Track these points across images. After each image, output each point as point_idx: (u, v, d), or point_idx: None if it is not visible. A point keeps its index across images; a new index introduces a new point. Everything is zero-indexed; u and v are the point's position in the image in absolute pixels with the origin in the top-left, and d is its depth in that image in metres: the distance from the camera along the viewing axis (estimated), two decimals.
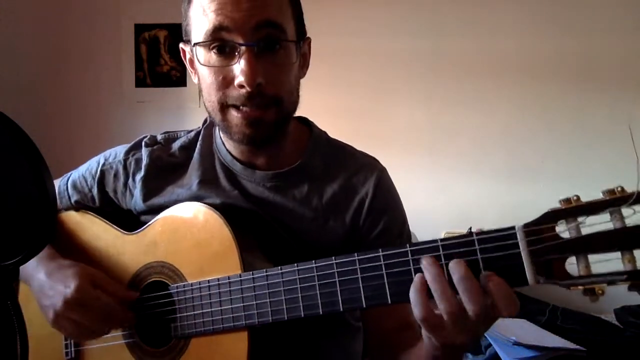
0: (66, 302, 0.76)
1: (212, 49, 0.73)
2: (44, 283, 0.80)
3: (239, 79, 0.71)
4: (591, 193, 0.57)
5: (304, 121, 0.93)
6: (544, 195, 2.21)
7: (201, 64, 0.75)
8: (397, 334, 0.79)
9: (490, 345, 1.48)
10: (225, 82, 0.74)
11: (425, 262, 0.58)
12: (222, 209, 0.78)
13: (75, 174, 0.95)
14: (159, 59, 2.47)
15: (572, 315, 1.72)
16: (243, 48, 0.71)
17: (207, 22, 0.72)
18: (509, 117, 2.28)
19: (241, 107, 0.74)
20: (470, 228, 2.26)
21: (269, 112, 0.75)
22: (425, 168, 2.34)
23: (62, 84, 2.49)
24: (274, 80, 0.73)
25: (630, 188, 0.52)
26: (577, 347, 1.43)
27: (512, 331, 1.45)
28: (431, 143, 2.33)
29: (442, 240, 0.59)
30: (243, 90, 0.72)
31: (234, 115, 0.75)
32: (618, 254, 0.51)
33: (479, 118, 2.29)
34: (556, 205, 0.56)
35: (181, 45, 0.84)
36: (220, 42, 0.72)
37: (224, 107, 0.75)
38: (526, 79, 2.25)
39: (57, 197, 0.94)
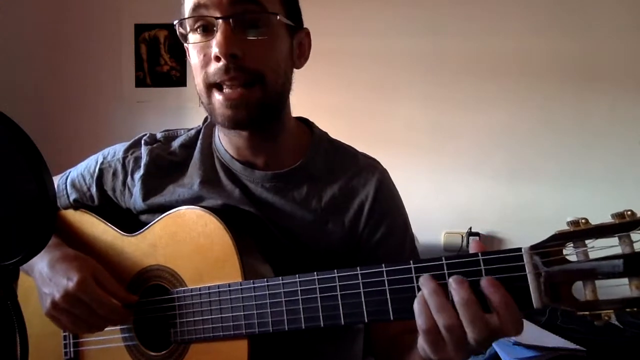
0: (66, 294, 0.76)
1: (197, 29, 0.74)
2: (46, 272, 0.79)
3: (214, 50, 0.71)
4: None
5: (305, 122, 0.92)
6: (544, 196, 2.21)
7: (187, 43, 0.76)
8: (402, 337, 0.79)
9: (490, 345, 1.48)
10: (206, 59, 0.73)
11: (422, 279, 0.58)
12: (222, 211, 0.78)
13: (74, 172, 0.94)
14: (159, 59, 2.47)
15: (572, 316, 1.71)
16: (220, 21, 0.71)
17: (189, 2, 0.73)
18: (509, 117, 2.28)
19: (223, 89, 0.73)
20: (470, 228, 2.26)
21: (253, 91, 0.73)
22: (425, 168, 2.34)
23: (62, 84, 2.49)
24: (254, 55, 0.72)
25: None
26: (577, 347, 1.43)
27: None
28: (431, 143, 2.33)
29: (446, 258, 0.58)
30: (220, 64, 0.71)
31: (216, 97, 0.74)
32: (625, 279, 0.50)
33: (479, 118, 2.29)
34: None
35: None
36: (198, 19, 0.73)
37: (207, 88, 0.75)
38: (526, 79, 2.25)
39: (56, 195, 0.93)
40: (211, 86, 0.74)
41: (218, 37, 0.70)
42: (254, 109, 0.74)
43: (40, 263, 0.80)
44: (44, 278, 0.79)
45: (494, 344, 1.45)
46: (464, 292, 0.55)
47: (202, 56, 0.74)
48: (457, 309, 0.55)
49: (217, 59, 0.71)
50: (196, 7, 0.72)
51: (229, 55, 0.70)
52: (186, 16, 0.74)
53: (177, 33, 0.77)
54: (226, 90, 0.73)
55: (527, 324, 1.64)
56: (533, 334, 1.53)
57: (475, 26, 2.28)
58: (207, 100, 0.76)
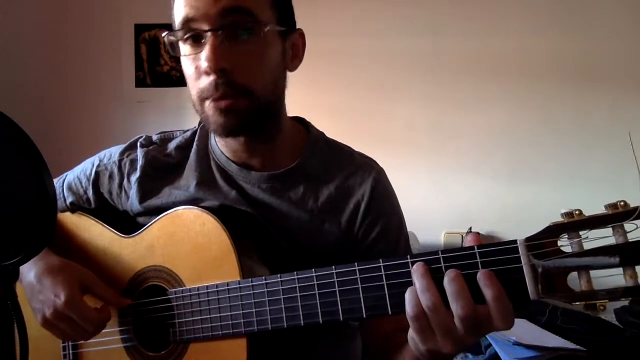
0: (55, 311, 0.76)
1: (187, 40, 0.74)
2: (34, 286, 0.79)
3: (204, 64, 0.70)
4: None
5: (301, 121, 0.92)
6: (544, 196, 2.21)
7: (179, 56, 0.76)
8: (395, 335, 0.79)
9: (490, 345, 1.48)
10: (198, 72, 0.73)
11: (415, 266, 0.59)
12: (220, 212, 0.78)
13: (71, 176, 0.94)
14: (159, 59, 2.47)
15: (572, 315, 1.71)
16: (208, 34, 0.70)
17: (179, 15, 0.73)
18: (509, 117, 2.28)
19: (215, 99, 0.73)
20: (470, 228, 2.26)
21: (240, 101, 0.73)
22: (425, 168, 2.34)
23: (62, 84, 2.49)
24: (243, 69, 0.72)
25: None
26: (577, 347, 1.43)
27: (512, 331, 1.45)
28: (431, 143, 2.33)
29: (443, 252, 0.58)
30: (211, 78, 0.71)
31: (208, 106, 0.74)
32: (620, 269, 0.51)
33: (479, 118, 2.29)
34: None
35: None
36: (188, 30, 0.72)
37: (201, 100, 0.75)
38: (526, 79, 2.25)
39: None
40: (204, 99, 0.74)
41: (207, 50, 0.70)
42: (244, 116, 0.74)
43: (28, 275, 0.80)
44: (33, 292, 0.79)
45: (493, 344, 1.45)
46: (453, 273, 0.56)
47: (194, 68, 0.74)
48: (445, 287, 0.56)
49: (207, 72, 0.71)
50: (185, 21, 0.72)
51: (218, 70, 0.70)
52: (176, 28, 0.74)
53: (167, 43, 0.76)
54: (218, 100, 0.73)
55: (527, 323, 1.64)
56: (533, 334, 1.53)
57: (475, 26, 2.28)
58: (201, 109, 0.76)
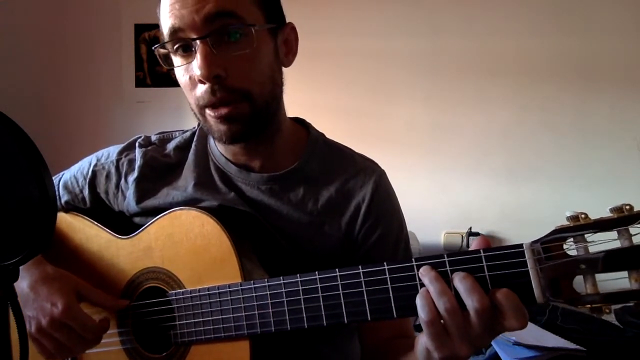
0: (52, 321, 0.75)
1: (177, 51, 0.73)
2: (28, 295, 0.78)
3: (197, 73, 0.70)
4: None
5: (301, 122, 0.91)
6: (544, 196, 2.21)
7: (172, 67, 0.76)
8: (393, 342, 0.79)
9: (490, 345, 1.48)
10: (192, 81, 0.73)
11: (422, 270, 0.59)
12: (219, 212, 0.77)
13: (67, 175, 0.93)
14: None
15: (572, 315, 1.71)
16: (197, 42, 0.69)
17: (166, 27, 0.72)
18: (509, 117, 2.28)
19: (215, 106, 0.72)
20: (470, 228, 2.26)
21: (241, 107, 0.73)
22: (425, 168, 2.34)
23: (62, 84, 2.49)
24: (237, 73, 0.71)
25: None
26: (577, 347, 1.43)
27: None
28: (431, 143, 2.33)
29: (449, 255, 0.58)
30: (206, 86, 0.71)
31: (209, 115, 0.74)
32: (625, 273, 0.51)
33: (479, 118, 2.29)
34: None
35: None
36: (176, 42, 0.72)
37: (200, 109, 0.74)
38: (526, 79, 2.25)
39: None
40: (203, 107, 0.74)
41: (198, 59, 0.69)
42: (246, 122, 0.74)
43: (20, 284, 0.78)
44: (27, 301, 0.77)
45: (493, 344, 1.45)
46: (463, 272, 0.57)
47: (188, 78, 0.73)
48: (457, 287, 0.56)
49: (201, 81, 0.70)
50: (173, 32, 0.71)
51: (212, 77, 0.69)
52: (165, 40, 0.73)
53: (159, 56, 0.76)
54: (218, 107, 0.72)
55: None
56: (533, 334, 1.53)
57: (475, 26, 2.29)
58: (203, 118, 0.76)
